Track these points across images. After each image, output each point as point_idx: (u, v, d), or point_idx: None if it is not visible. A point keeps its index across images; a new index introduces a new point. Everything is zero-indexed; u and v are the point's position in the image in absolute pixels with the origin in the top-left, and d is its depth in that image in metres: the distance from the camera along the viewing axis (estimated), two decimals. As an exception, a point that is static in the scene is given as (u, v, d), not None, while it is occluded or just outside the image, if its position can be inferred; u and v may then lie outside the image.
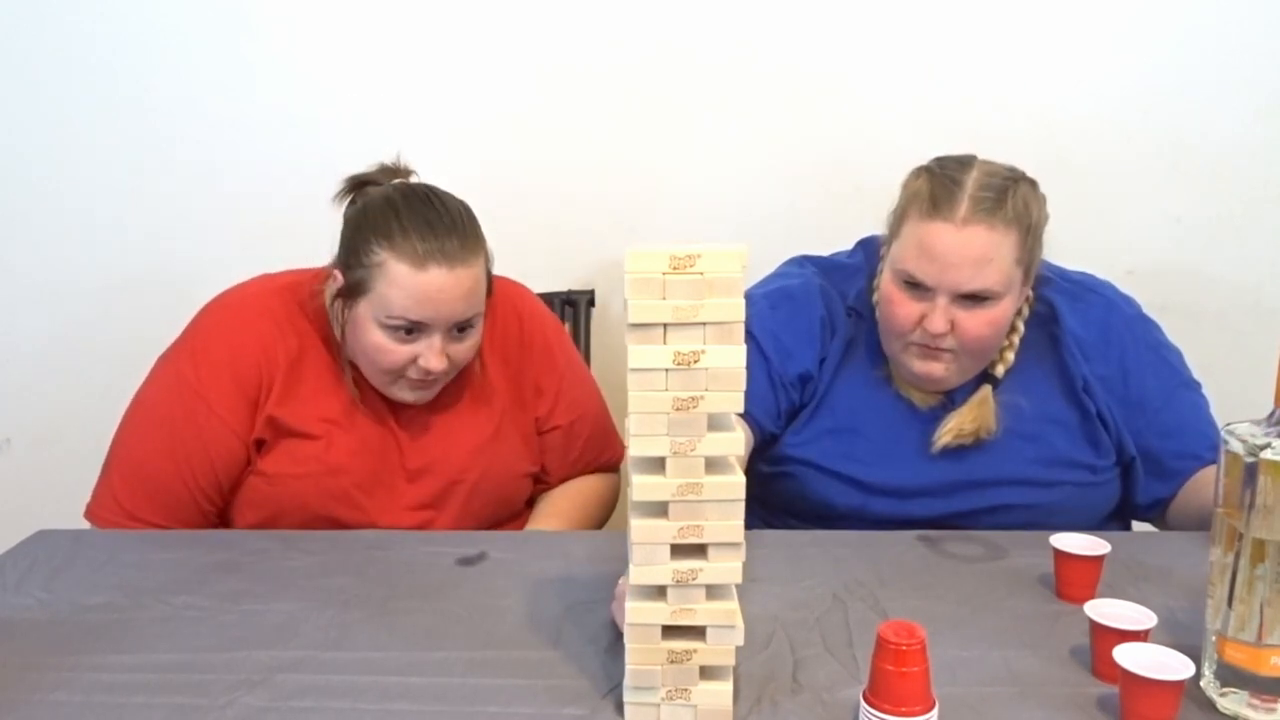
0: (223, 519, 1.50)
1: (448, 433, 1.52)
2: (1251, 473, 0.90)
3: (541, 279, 1.97)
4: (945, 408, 1.46)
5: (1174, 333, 2.04)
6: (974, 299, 1.36)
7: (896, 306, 1.40)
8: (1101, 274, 2.02)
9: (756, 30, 1.98)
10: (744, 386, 0.87)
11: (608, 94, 2.01)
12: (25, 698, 0.99)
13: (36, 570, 1.28)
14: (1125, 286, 2.03)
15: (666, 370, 0.86)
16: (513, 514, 1.60)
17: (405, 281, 1.36)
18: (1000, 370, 1.46)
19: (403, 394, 1.45)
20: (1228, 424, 0.95)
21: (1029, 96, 1.98)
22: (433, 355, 1.39)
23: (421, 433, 1.51)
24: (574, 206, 2.06)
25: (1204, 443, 1.44)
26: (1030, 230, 1.38)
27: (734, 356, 0.86)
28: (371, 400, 1.49)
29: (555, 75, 2.01)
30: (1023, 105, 1.98)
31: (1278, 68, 1.95)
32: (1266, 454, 0.89)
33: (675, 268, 0.85)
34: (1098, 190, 2.01)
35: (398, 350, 1.40)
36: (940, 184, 1.37)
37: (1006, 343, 1.46)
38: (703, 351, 0.86)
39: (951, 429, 1.42)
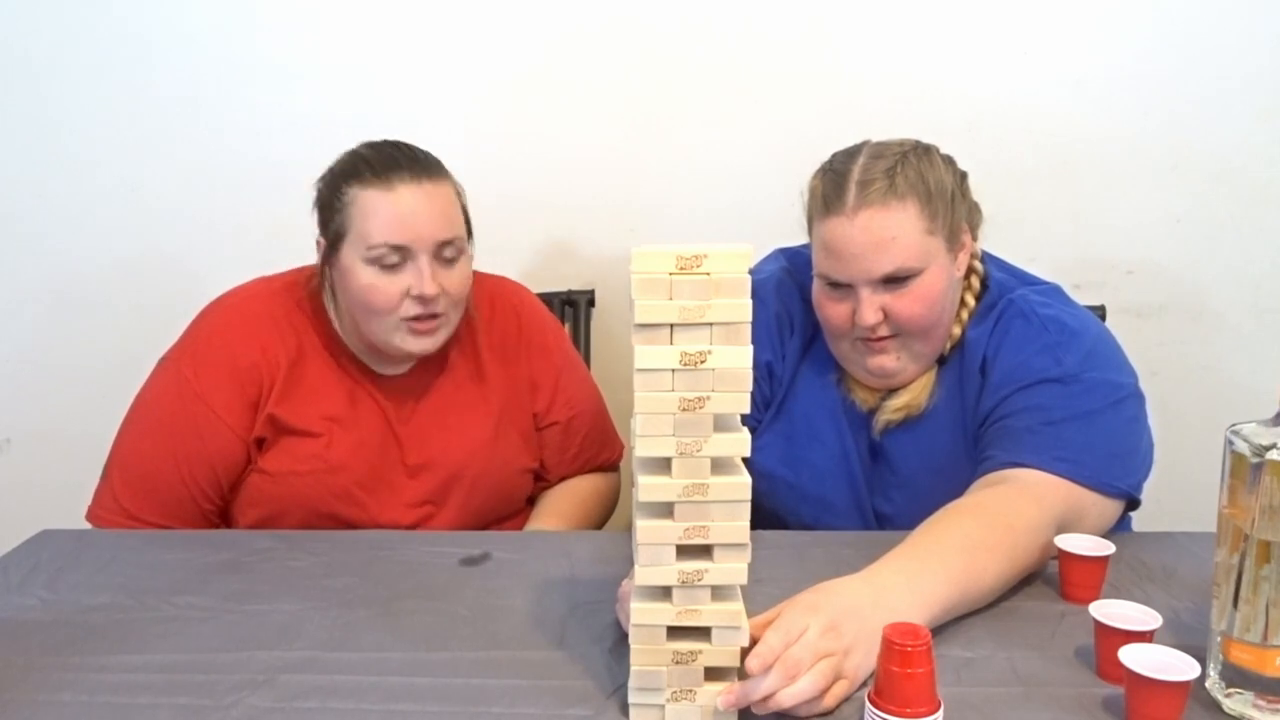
0: (224, 518, 1.51)
1: (447, 429, 1.52)
2: (1257, 473, 0.90)
3: (541, 279, 1.97)
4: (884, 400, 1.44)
5: (1174, 333, 2.06)
6: (894, 281, 1.32)
7: (827, 309, 1.39)
8: (1101, 274, 2.04)
9: (757, 30, 1.98)
10: (750, 387, 0.87)
11: (608, 94, 2.01)
12: (29, 698, 0.99)
13: (40, 570, 1.27)
14: (1125, 286, 2.05)
15: (673, 370, 0.86)
16: (513, 511, 1.60)
17: (377, 205, 1.39)
18: (948, 347, 1.42)
19: (407, 342, 1.44)
20: (1233, 425, 0.95)
21: (1029, 97, 1.98)
22: (424, 280, 1.39)
23: (421, 429, 1.51)
24: (574, 206, 2.07)
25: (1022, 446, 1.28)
26: (932, 197, 1.32)
27: (740, 357, 0.86)
28: (372, 397, 1.50)
29: (555, 75, 2.01)
30: (1023, 105, 1.98)
31: (1278, 68, 1.96)
32: (1272, 454, 0.89)
33: (682, 268, 0.85)
34: (1098, 190, 2.02)
35: (388, 285, 1.40)
36: (829, 180, 1.35)
37: (956, 319, 1.42)
38: (709, 352, 0.86)
39: (897, 406, 1.41)
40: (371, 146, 1.45)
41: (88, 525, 1.46)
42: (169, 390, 1.47)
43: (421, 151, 1.45)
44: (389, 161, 1.41)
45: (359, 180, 1.41)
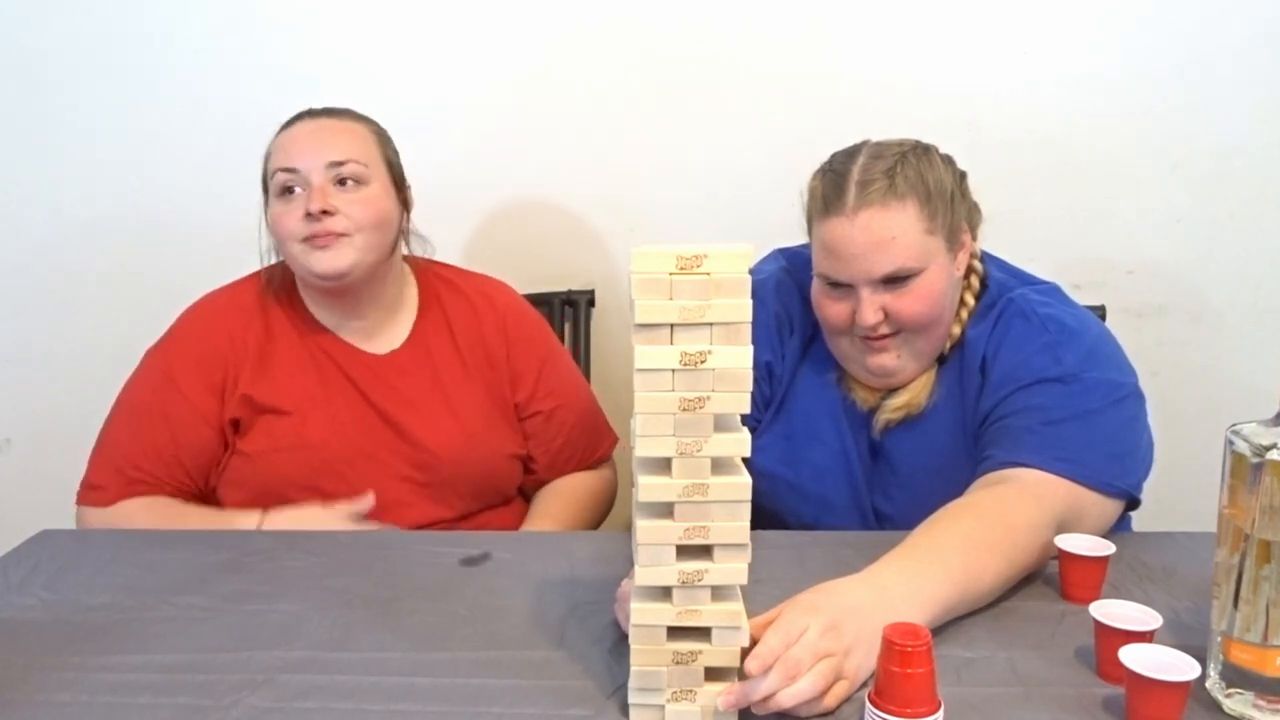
0: (205, 501, 1.54)
1: (427, 409, 1.54)
2: (1257, 473, 0.90)
3: (541, 279, 1.97)
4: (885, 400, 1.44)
5: (1174, 333, 2.06)
6: (894, 281, 1.32)
7: (826, 309, 1.39)
8: (1101, 274, 2.03)
9: (757, 30, 1.98)
10: (750, 387, 0.87)
11: (608, 94, 2.01)
12: (29, 698, 0.99)
13: (40, 570, 1.28)
14: (1125, 286, 2.05)
15: (673, 370, 0.86)
16: (503, 499, 1.62)
17: (278, 143, 1.51)
18: (948, 347, 1.42)
19: (310, 259, 1.47)
20: (1233, 425, 0.95)
21: (1029, 97, 1.98)
22: (311, 196, 1.44)
23: (401, 407, 1.53)
24: (574, 206, 2.07)
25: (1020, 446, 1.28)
26: (932, 197, 1.32)
27: (741, 357, 0.86)
28: (344, 374, 1.53)
29: (555, 75, 2.01)
30: (1023, 105, 1.98)
31: (1278, 68, 1.96)
32: (1272, 454, 0.89)
33: (682, 268, 0.85)
34: (1098, 190, 2.02)
35: (287, 211, 1.46)
36: (828, 180, 1.35)
37: (955, 319, 1.41)
38: (709, 352, 0.86)
39: (897, 405, 1.41)
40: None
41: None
42: (144, 379, 1.54)
43: (339, 107, 1.55)
44: (297, 115, 1.53)
45: (275, 135, 1.53)
